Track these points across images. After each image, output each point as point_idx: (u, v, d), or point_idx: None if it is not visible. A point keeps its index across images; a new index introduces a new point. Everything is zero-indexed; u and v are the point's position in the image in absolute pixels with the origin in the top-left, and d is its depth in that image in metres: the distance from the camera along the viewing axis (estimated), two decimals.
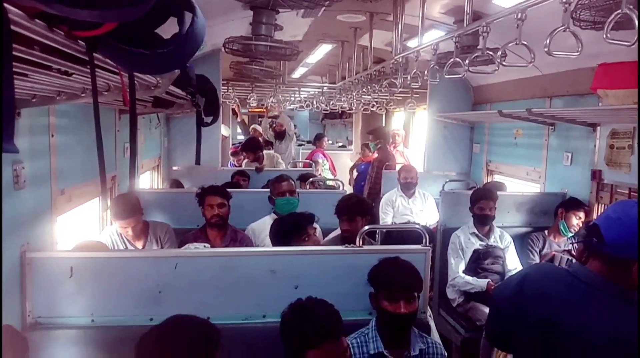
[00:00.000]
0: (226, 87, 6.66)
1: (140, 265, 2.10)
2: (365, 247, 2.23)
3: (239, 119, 7.75)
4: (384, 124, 8.70)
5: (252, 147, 5.72)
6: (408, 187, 4.90)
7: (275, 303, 2.12)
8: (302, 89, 7.41)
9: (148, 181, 5.02)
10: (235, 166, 6.44)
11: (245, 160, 5.91)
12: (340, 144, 11.85)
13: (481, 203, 3.67)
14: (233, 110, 8.24)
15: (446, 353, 2.13)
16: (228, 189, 3.42)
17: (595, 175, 3.74)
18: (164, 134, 5.20)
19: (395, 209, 4.94)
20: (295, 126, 14.45)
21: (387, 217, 4.86)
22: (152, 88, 2.02)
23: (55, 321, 2.06)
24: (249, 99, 6.42)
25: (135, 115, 1.63)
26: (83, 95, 2.02)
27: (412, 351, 2.01)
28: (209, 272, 2.10)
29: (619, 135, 3.59)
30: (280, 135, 7.73)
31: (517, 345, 1.67)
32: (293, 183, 3.51)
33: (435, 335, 2.26)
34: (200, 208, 3.28)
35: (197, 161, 2.56)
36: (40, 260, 2.04)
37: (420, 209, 4.93)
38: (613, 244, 1.46)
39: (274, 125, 7.96)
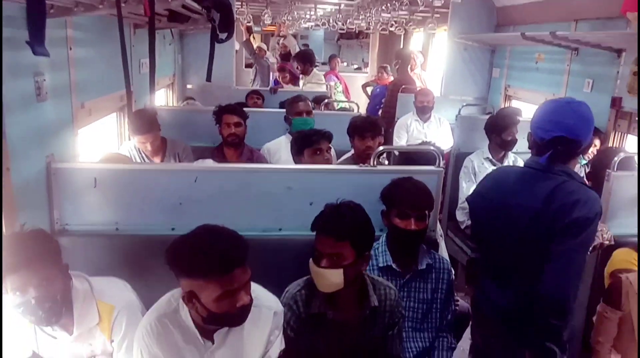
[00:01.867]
0: (240, 3, 6.45)
1: (161, 177, 2.18)
2: (379, 167, 2.28)
3: (244, 39, 7.53)
4: (402, 46, 8.46)
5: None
6: (424, 111, 4.86)
7: (291, 218, 2.23)
8: (318, 6, 7.14)
9: (163, 98, 5.03)
10: (279, 82, 6.34)
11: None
12: (355, 66, 11.58)
13: (512, 129, 3.62)
14: (247, 28, 8.01)
15: (453, 270, 2.23)
16: (245, 109, 3.43)
17: (615, 102, 3.68)
18: (178, 51, 5.13)
19: (410, 133, 4.92)
20: (307, 45, 14.14)
21: (400, 141, 4.86)
22: (169, 0, 1.99)
23: (82, 228, 2.17)
24: (263, 16, 6.22)
25: (154, 27, 1.63)
26: (101, 7, 2.00)
27: (419, 265, 2.11)
28: (227, 187, 2.17)
29: None
30: (286, 57, 7.57)
31: (485, 235, 1.97)
32: (310, 103, 3.51)
33: (443, 252, 2.36)
34: (217, 127, 3.32)
35: (208, 78, 2.56)
36: (64, 170, 2.11)
37: (434, 134, 4.92)
38: (584, 143, 1.77)
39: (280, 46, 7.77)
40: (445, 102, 5.37)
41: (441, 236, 2.44)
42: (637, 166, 2.41)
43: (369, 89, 7.59)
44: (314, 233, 1.77)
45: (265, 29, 10.77)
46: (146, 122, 3.10)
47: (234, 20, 3.51)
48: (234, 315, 1.55)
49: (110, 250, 2.13)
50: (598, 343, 1.99)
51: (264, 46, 8.67)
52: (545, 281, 1.68)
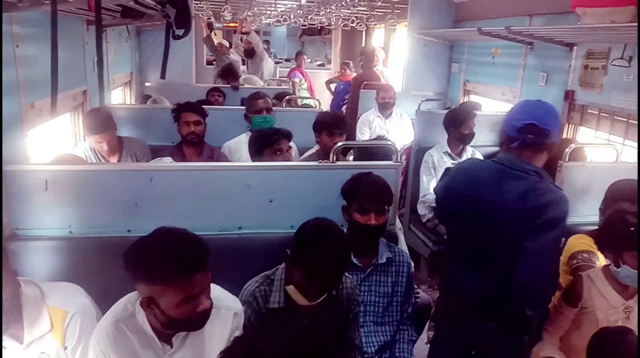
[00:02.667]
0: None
1: (116, 177, 2.12)
2: (339, 163, 2.27)
3: (204, 35, 7.43)
4: (364, 42, 8.51)
5: (227, 74, 5.53)
6: (386, 107, 4.90)
7: (251, 216, 2.20)
8: (279, 1, 7.09)
9: (120, 96, 4.91)
10: None
11: None
12: (319, 62, 11.58)
13: (469, 123, 3.70)
14: (208, 24, 7.89)
15: (412, 262, 2.25)
16: (204, 107, 3.38)
17: (568, 95, 3.80)
18: (135, 48, 5.02)
19: (372, 129, 4.95)
20: (268, 42, 14.03)
21: (363, 137, 4.89)
22: None
23: (33, 232, 2.08)
24: (223, 12, 6.14)
25: (101, 24, 1.57)
26: (46, 2, 1.93)
27: (379, 259, 2.13)
28: (184, 186, 2.13)
29: (594, 55, 3.60)
30: (249, 53, 7.51)
31: (452, 223, 2.07)
32: (269, 100, 3.48)
33: (403, 246, 2.38)
34: (175, 125, 3.26)
35: (163, 75, 2.51)
36: (14, 172, 2.03)
37: (396, 130, 4.97)
38: (554, 135, 1.82)
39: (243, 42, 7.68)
40: (406, 97, 5.43)
41: (400, 229, 2.46)
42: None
43: (333, 86, 7.60)
44: (275, 231, 1.76)
45: (227, 25, 10.61)
46: (101, 122, 3.02)
47: (191, 16, 3.45)
48: (194, 320, 1.52)
49: (63, 254, 2.06)
50: (546, 331, 2.03)
51: (226, 43, 8.54)
52: (520, 277, 1.77)
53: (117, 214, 2.13)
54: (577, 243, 2.19)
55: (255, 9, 6.82)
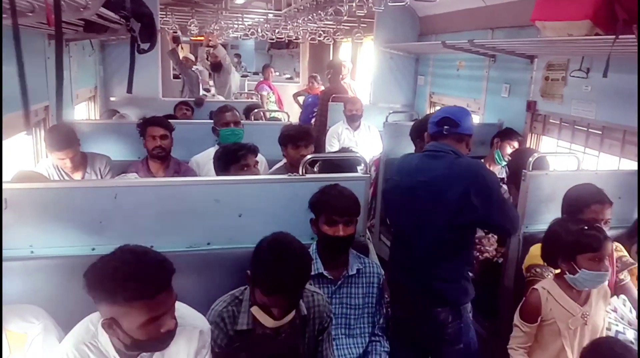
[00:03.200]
0: (165, 13, 6.30)
1: (79, 195, 2.05)
2: (308, 175, 2.27)
3: (170, 48, 7.39)
4: (331, 56, 8.58)
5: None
6: (353, 119, 4.94)
7: (219, 231, 2.17)
8: (245, 15, 7.10)
9: (85, 111, 4.81)
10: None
11: None
12: (287, 75, 11.61)
13: None
14: (173, 38, 7.83)
15: (382, 272, 2.26)
16: (171, 121, 3.34)
17: (530, 106, 3.91)
18: (99, 62, 4.93)
19: (341, 141, 4.98)
20: (239, 55, 13.99)
21: (332, 149, 4.91)
22: (81, 10, 1.90)
23: None
24: (190, 26, 6.11)
25: (61, 39, 1.54)
26: (5, 16, 1.87)
27: (350, 270, 2.13)
28: (150, 202, 2.08)
29: (554, 67, 3.72)
30: (216, 67, 7.49)
31: (390, 216, 2.33)
32: (237, 113, 3.46)
33: (373, 256, 2.39)
34: (141, 139, 3.21)
35: (129, 90, 2.47)
36: None
37: (365, 141, 5.01)
38: (463, 125, 2.16)
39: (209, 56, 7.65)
40: (374, 110, 5.49)
41: (369, 239, 2.47)
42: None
43: (301, 99, 7.63)
44: (244, 246, 1.73)
45: (194, 38, 10.56)
46: (63, 138, 2.95)
47: (156, 30, 3.42)
48: (158, 340, 1.49)
49: (24, 275, 1.98)
50: (512, 349, 2.05)
51: (192, 56, 8.51)
52: (500, 226, 2.14)
53: (81, 233, 2.06)
54: (535, 254, 2.24)
55: (222, 22, 6.81)
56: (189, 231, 2.14)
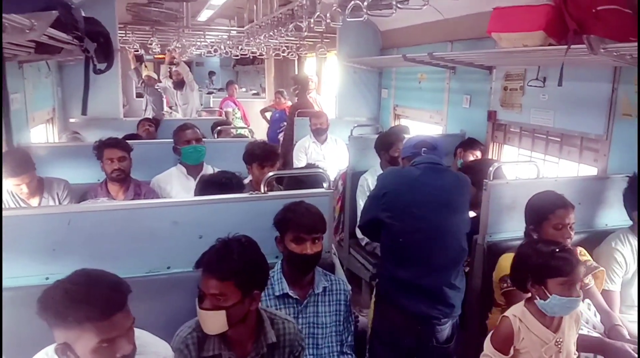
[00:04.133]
0: (124, 32, 6.21)
1: (30, 222, 1.96)
2: (270, 193, 2.23)
3: (132, 67, 7.30)
4: (296, 71, 8.61)
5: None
6: (319, 133, 4.95)
7: (179, 254, 2.10)
8: (207, 33, 7.05)
9: (43, 134, 4.66)
10: None
11: None
12: (253, 91, 11.60)
13: (398, 146, 3.76)
14: (136, 57, 7.74)
15: (349, 288, 2.23)
16: (129, 141, 3.26)
17: (491, 116, 3.98)
18: (57, 83, 4.80)
19: (308, 155, 4.98)
20: (214, 73, 13.92)
21: (300, 163, 4.90)
22: (27, 31, 1.82)
23: None
24: (151, 44, 6.03)
25: (2, 61, 1.47)
26: None
27: (316, 289, 2.09)
28: (106, 227, 2.00)
29: (512, 77, 3.81)
30: (179, 85, 7.44)
31: (389, 224, 2.25)
32: (198, 130, 3.41)
33: (340, 273, 2.35)
34: (99, 162, 3.12)
35: (84, 111, 2.40)
36: None
37: (332, 155, 5.01)
38: (439, 148, 2.43)
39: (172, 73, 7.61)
40: (340, 123, 5.50)
41: (335, 254, 2.44)
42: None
43: (268, 114, 7.62)
44: None
45: (157, 56, 10.47)
46: (18, 164, 2.85)
47: (113, 50, 3.34)
48: None
49: None
50: None
51: (154, 75, 8.43)
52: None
53: (34, 261, 1.97)
54: (505, 265, 2.24)
55: (184, 40, 6.75)
56: (147, 256, 2.07)
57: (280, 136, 6.51)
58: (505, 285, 2.21)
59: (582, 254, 2.38)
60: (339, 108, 5.88)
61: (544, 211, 2.24)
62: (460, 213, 2.24)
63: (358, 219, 3.84)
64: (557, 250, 1.85)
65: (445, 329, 2.17)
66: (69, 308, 1.34)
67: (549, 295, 1.80)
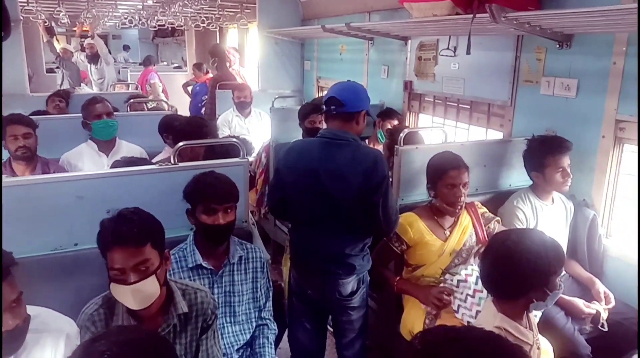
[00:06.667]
0: (26, 1, 5.76)
1: None
2: (181, 164, 2.18)
3: (44, 40, 6.85)
4: (218, 42, 8.39)
5: None
6: (243, 106, 4.89)
7: (87, 230, 1.99)
8: (120, 2, 6.68)
9: None
10: None
11: None
12: (175, 65, 11.19)
13: (312, 117, 3.79)
14: (47, 30, 7.24)
15: (268, 256, 2.25)
16: (37, 116, 3.06)
17: (407, 85, 4.09)
18: None
19: (232, 129, 4.91)
20: (128, 47, 13.25)
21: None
22: None
23: None
24: (58, 14, 5.64)
25: None
26: None
27: (231, 259, 2.09)
28: (6, 205, 1.88)
29: (425, 47, 3.92)
30: (94, 58, 7.06)
31: (293, 200, 2.24)
32: (108, 104, 3.25)
33: (257, 242, 2.36)
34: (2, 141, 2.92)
35: None
36: None
37: (257, 128, 4.97)
38: (349, 103, 2.14)
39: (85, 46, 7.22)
40: (264, 96, 5.44)
41: (253, 225, 2.45)
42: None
43: (190, 89, 7.41)
44: None
45: (68, 28, 9.84)
46: None
47: (8, 18, 3.10)
48: None
49: None
50: None
51: (70, 47, 7.95)
52: (381, 221, 2.13)
53: None
54: (403, 222, 2.37)
55: (94, 10, 6.35)
56: (53, 233, 1.98)
57: (203, 110, 6.36)
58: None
59: (479, 207, 2.54)
60: (262, 80, 5.82)
61: (439, 172, 2.37)
62: (352, 190, 2.09)
63: None
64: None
65: (349, 283, 2.23)
66: None
67: (549, 293, 1.62)
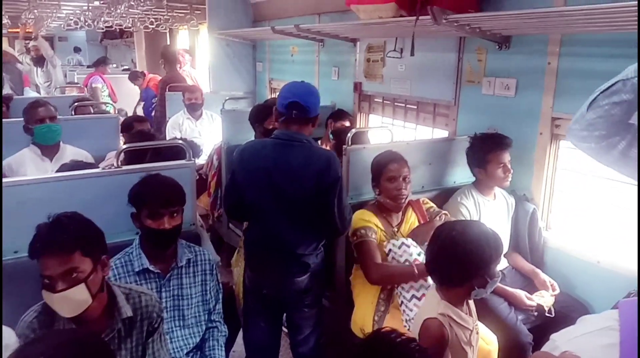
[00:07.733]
0: None
1: None
2: (124, 167, 2.15)
3: None
4: (168, 44, 8.25)
5: None
6: (194, 108, 4.84)
7: (28, 237, 1.95)
8: (63, 3, 6.46)
9: None
10: None
11: None
12: (125, 67, 10.91)
13: (271, 118, 3.78)
14: None
15: (217, 258, 2.24)
16: None
17: (357, 87, 4.16)
18: None
19: (183, 132, 4.84)
20: (79, 49, 12.81)
21: None
22: None
23: None
24: None
25: None
26: None
27: (179, 262, 2.07)
28: None
29: (373, 49, 4.00)
30: (39, 61, 6.82)
31: (248, 199, 2.22)
32: (52, 107, 3.16)
33: (207, 245, 2.35)
34: None
35: None
36: None
37: (208, 131, 4.93)
38: (313, 109, 2.17)
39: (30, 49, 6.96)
40: (215, 98, 5.37)
41: (202, 226, 2.44)
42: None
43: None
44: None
45: (11, 30, 9.43)
46: None
47: None
48: None
49: None
50: None
51: (12, 50, 7.62)
52: (336, 220, 2.16)
53: None
54: (357, 219, 2.41)
55: (36, 11, 6.12)
56: None
57: (154, 113, 6.26)
58: (355, 238, 2.39)
59: (425, 202, 2.62)
60: (214, 82, 5.76)
61: (380, 166, 2.45)
62: (304, 190, 2.11)
63: None
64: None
65: (303, 281, 2.25)
66: None
67: (489, 280, 1.68)
